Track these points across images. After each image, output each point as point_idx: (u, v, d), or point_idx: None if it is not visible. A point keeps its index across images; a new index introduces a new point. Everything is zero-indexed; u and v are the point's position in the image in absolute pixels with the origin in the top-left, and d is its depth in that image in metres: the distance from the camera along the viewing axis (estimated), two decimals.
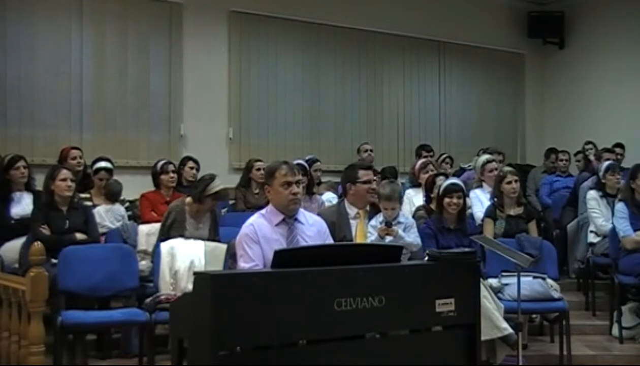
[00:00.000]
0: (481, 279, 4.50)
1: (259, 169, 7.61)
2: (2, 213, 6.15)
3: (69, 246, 5.52)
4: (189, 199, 6.05)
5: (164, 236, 5.89)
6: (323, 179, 8.41)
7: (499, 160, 7.56)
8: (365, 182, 5.25)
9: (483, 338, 4.18)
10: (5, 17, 7.05)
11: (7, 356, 4.41)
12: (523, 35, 11.19)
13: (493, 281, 5.70)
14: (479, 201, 6.84)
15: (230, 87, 8.87)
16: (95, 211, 6.39)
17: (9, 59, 7.43)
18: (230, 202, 7.88)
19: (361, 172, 5.27)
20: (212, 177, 6.08)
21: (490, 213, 6.31)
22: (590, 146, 9.04)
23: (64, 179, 5.83)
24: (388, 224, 5.19)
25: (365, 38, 9.83)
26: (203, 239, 5.89)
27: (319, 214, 4.77)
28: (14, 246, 5.79)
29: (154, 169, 7.20)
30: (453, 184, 5.91)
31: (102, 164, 7.13)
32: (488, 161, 7.17)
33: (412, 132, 10.20)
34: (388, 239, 5.14)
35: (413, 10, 10.15)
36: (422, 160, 7.75)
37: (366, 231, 5.20)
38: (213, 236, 6.02)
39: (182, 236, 5.83)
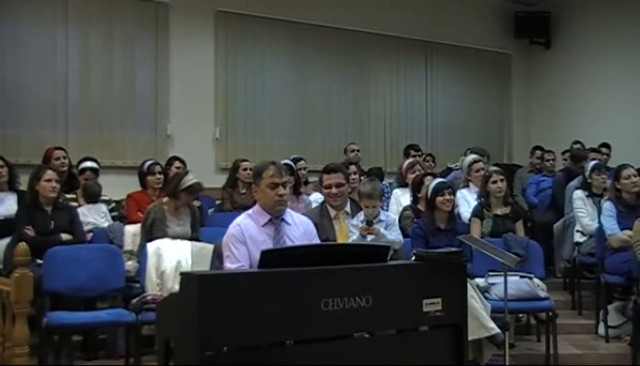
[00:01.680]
0: (468, 279, 4.50)
1: (245, 169, 7.59)
2: None
3: (54, 247, 5.48)
4: (166, 199, 6.05)
5: (147, 236, 5.88)
6: (310, 179, 8.39)
7: (485, 160, 7.57)
8: (324, 186, 5.29)
9: (470, 337, 4.19)
10: None
11: None
12: (510, 36, 11.23)
13: (480, 281, 5.71)
14: (466, 201, 6.84)
15: (216, 87, 8.86)
16: (79, 210, 6.37)
17: None
18: (217, 202, 7.88)
19: (324, 177, 5.35)
20: (185, 172, 6.18)
21: (477, 213, 6.32)
22: (578, 145, 9.07)
23: (49, 180, 5.80)
24: (369, 223, 5.19)
25: (352, 38, 9.84)
26: (187, 236, 5.90)
27: (304, 215, 4.76)
28: None
29: (140, 169, 7.17)
30: (441, 182, 5.95)
31: (88, 164, 7.12)
32: (474, 161, 7.18)
33: (399, 132, 10.22)
34: (370, 238, 5.14)
35: (400, 10, 10.16)
36: (410, 160, 7.75)
37: (347, 232, 5.20)
38: (195, 232, 6.02)
39: (165, 236, 5.81)
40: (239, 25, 9.02)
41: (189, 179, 6.02)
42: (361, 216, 5.28)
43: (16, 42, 7.59)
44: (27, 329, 4.18)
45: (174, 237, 5.85)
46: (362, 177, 7.29)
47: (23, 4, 7.65)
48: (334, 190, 5.29)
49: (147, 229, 5.93)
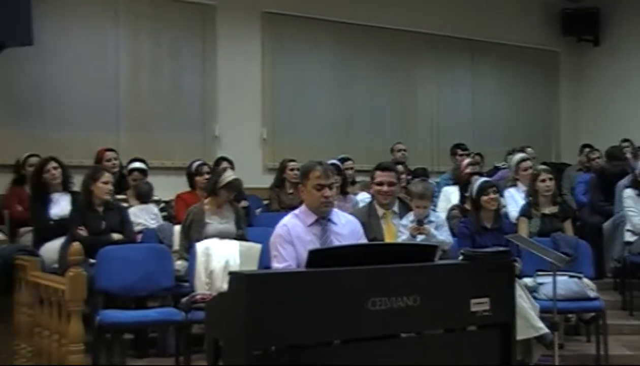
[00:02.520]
0: (516, 279, 4.47)
1: (292, 169, 7.65)
2: (42, 214, 6.26)
3: (106, 247, 5.59)
4: (208, 199, 6.13)
5: (186, 237, 5.97)
6: (357, 179, 8.42)
7: (532, 157, 7.51)
8: (376, 183, 5.25)
9: (518, 337, 4.16)
10: (44, 22, 7.14)
11: (48, 354, 4.48)
12: (557, 33, 11.10)
13: (528, 281, 5.66)
14: (514, 200, 6.79)
15: (263, 87, 8.91)
16: (130, 211, 6.48)
17: (48, 62, 7.53)
18: (264, 202, 7.94)
19: (376, 173, 5.28)
20: (223, 170, 6.32)
21: (525, 212, 6.27)
22: (627, 144, 8.93)
23: (106, 182, 5.92)
24: (419, 222, 5.18)
25: (397, 37, 9.82)
26: (231, 233, 5.97)
27: (351, 215, 4.77)
28: (54, 246, 5.88)
29: (188, 170, 7.29)
30: (485, 181, 5.93)
31: (136, 164, 7.25)
32: (522, 160, 7.13)
33: (445, 131, 10.15)
34: (420, 238, 5.13)
35: (444, 9, 10.11)
36: (470, 159, 7.76)
37: (394, 231, 5.19)
38: (240, 230, 6.08)
39: (201, 237, 5.87)
40: (285, 26, 9.07)
41: (228, 176, 6.11)
42: (411, 216, 5.27)
43: (68, 45, 7.72)
44: (82, 327, 4.27)
45: (216, 235, 5.92)
46: (408, 177, 7.29)
47: (75, 8, 7.77)
48: (385, 188, 5.24)
49: (185, 230, 6.02)
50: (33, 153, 7.00)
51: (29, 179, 6.74)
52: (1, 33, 6.32)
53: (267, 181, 8.12)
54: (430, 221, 5.27)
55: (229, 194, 6.11)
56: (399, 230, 5.22)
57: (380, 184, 5.23)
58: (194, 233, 5.96)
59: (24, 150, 7.15)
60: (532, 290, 5.54)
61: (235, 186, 6.17)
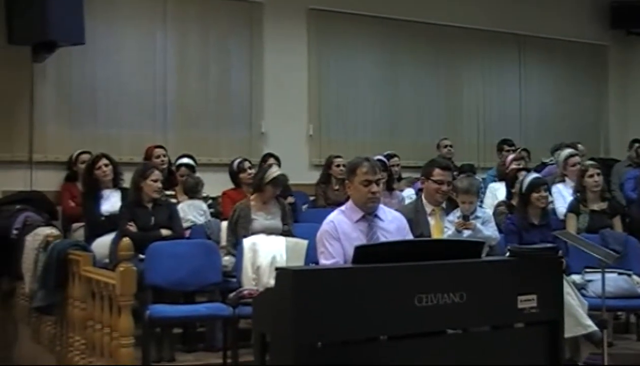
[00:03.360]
0: (564, 276, 4.44)
1: (338, 166, 7.70)
2: (93, 210, 6.39)
3: (155, 242, 5.67)
4: (254, 195, 6.18)
5: (232, 233, 6.04)
6: (403, 175, 8.41)
7: (582, 154, 7.41)
8: (436, 181, 5.19)
9: (566, 335, 4.12)
10: (94, 22, 7.27)
11: (100, 347, 4.58)
12: (605, 27, 10.91)
13: (576, 278, 5.60)
14: (561, 196, 6.73)
15: (309, 84, 8.94)
16: (179, 207, 6.57)
17: (98, 61, 7.66)
18: (311, 198, 7.99)
19: (436, 171, 5.15)
20: (269, 166, 6.39)
21: (573, 208, 6.21)
22: None
23: (155, 180, 6.02)
24: (465, 217, 5.16)
25: (443, 33, 9.76)
26: (277, 229, 6.02)
27: (397, 211, 4.77)
28: (105, 242, 6.00)
29: (230, 169, 7.35)
30: (537, 178, 5.88)
31: (184, 160, 7.34)
32: (571, 155, 7.06)
33: (492, 127, 10.06)
34: (466, 233, 5.11)
35: (491, 4, 10.02)
36: (515, 154, 7.69)
37: (442, 228, 5.17)
38: (286, 225, 6.13)
39: (247, 234, 5.93)
40: (331, 23, 9.08)
41: (273, 172, 6.16)
42: (457, 212, 5.25)
43: (118, 44, 7.83)
44: (132, 321, 4.34)
45: (262, 231, 5.97)
46: (454, 174, 7.26)
47: (124, 8, 7.88)
48: (444, 187, 5.16)
49: (232, 226, 6.09)
50: (85, 150, 7.14)
51: (81, 176, 6.88)
52: (55, 33, 6.47)
53: (314, 177, 8.17)
54: (476, 217, 5.25)
55: (274, 190, 6.16)
56: (445, 226, 5.20)
57: (441, 183, 5.15)
58: (240, 228, 6.02)
59: (76, 147, 7.31)
60: (580, 287, 5.48)
61: (281, 181, 6.21)
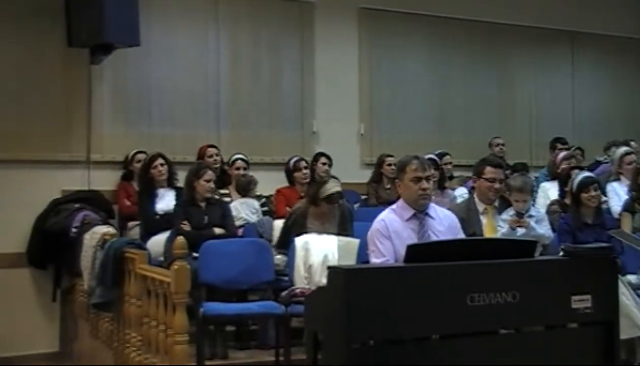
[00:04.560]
0: (619, 276, 4.37)
1: (389, 165, 7.70)
2: (148, 208, 6.51)
3: (208, 241, 5.74)
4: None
5: (285, 236, 6.05)
6: (455, 174, 8.37)
7: (636, 151, 7.28)
8: (488, 179, 5.16)
9: (622, 336, 4.06)
10: (149, 24, 7.38)
11: (156, 344, 4.66)
12: None
13: (632, 278, 5.51)
14: (616, 194, 6.63)
15: (360, 83, 8.93)
16: (232, 205, 6.63)
17: (153, 62, 7.75)
18: (362, 197, 8.00)
19: (488, 169, 5.15)
20: (326, 180, 6.18)
21: (628, 207, 6.11)
22: None
23: (208, 180, 6.10)
24: (520, 215, 5.12)
25: (494, 30, 9.65)
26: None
27: (449, 210, 4.76)
28: (159, 240, 6.09)
29: (286, 166, 7.42)
30: (587, 177, 5.78)
31: (239, 155, 7.41)
32: (626, 153, 6.94)
33: (544, 125, 9.92)
34: (520, 231, 5.07)
35: (542, 0, 9.89)
36: (565, 152, 7.59)
37: (495, 227, 5.14)
38: (343, 232, 6.08)
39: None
40: (382, 22, 9.06)
41: (329, 188, 5.99)
42: (511, 211, 5.22)
43: (172, 45, 7.91)
44: (186, 318, 4.42)
45: None
46: (507, 172, 7.20)
47: (178, 9, 7.97)
48: (497, 185, 5.16)
49: (286, 229, 6.09)
50: (140, 150, 7.26)
51: (137, 175, 7.00)
52: (111, 35, 6.60)
53: (365, 176, 8.18)
54: (530, 216, 5.21)
55: (329, 207, 6.03)
56: (498, 224, 5.17)
57: (493, 180, 5.14)
58: (293, 234, 6.03)
59: (131, 147, 7.42)
60: (636, 288, 5.38)
61: (335, 199, 6.04)
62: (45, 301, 7.10)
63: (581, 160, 8.60)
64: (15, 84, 7.11)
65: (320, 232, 5.94)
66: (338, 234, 5.96)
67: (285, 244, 5.99)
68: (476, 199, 5.24)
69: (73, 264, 6.35)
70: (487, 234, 5.08)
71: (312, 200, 6.07)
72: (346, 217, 6.19)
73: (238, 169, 7.29)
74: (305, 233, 5.91)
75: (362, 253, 5.46)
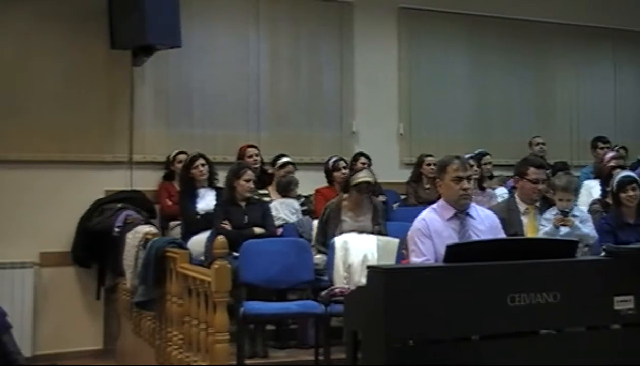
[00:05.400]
0: None
1: (429, 164, 7.70)
2: (189, 208, 6.58)
3: (248, 240, 5.78)
4: (346, 195, 6.21)
5: (322, 232, 6.10)
6: (495, 174, 8.31)
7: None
8: (532, 180, 5.12)
9: None
10: (191, 24, 7.45)
11: (197, 342, 4.71)
12: None
13: None
14: None
15: (399, 83, 8.92)
16: (272, 205, 6.67)
17: (193, 63, 7.83)
18: (402, 197, 7.99)
19: (531, 170, 5.09)
20: (360, 169, 6.41)
21: None
22: None
23: (248, 180, 6.14)
24: (564, 214, 5.07)
25: (534, 29, 9.56)
26: (367, 229, 6.04)
27: (490, 210, 4.73)
28: (200, 239, 6.16)
29: (325, 166, 7.45)
30: (625, 176, 5.69)
31: (285, 159, 7.44)
32: None
33: (585, 124, 9.79)
34: (563, 230, 5.02)
35: None
36: (613, 152, 7.51)
37: (536, 227, 5.09)
38: (377, 226, 6.13)
39: (335, 233, 5.98)
40: (421, 21, 9.04)
41: (359, 177, 6.14)
42: (554, 210, 5.17)
43: (213, 47, 7.98)
44: (227, 317, 4.46)
45: (352, 231, 6.00)
46: (547, 172, 7.13)
47: (219, 10, 8.04)
48: (540, 186, 5.13)
49: (322, 224, 6.16)
50: (182, 150, 7.33)
51: (178, 175, 7.08)
52: (153, 37, 6.67)
53: (404, 175, 8.17)
54: (574, 216, 5.15)
55: (358, 194, 6.13)
56: (540, 224, 5.12)
57: (536, 181, 5.11)
58: (329, 228, 6.07)
59: (173, 147, 7.51)
60: None
61: (364, 188, 6.13)
62: (90, 300, 7.23)
63: (625, 158, 8.48)
64: (60, 86, 7.25)
65: (354, 226, 5.99)
66: (372, 228, 6.03)
67: (323, 240, 6.04)
68: (517, 199, 5.19)
69: (116, 264, 6.45)
70: (529, 234, 5.03)
71: (344, 187, 6.21)
72: (379, 212, 6.24)
73: (288, 172, 7.32)
74: (340, 226, 5.98)
75: (401, 252, 5.47)
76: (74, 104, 7.28)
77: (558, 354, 3.39)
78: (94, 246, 6.96)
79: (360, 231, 6.01)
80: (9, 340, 5.25)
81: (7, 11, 7.09)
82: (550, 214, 5.14)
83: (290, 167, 7.36)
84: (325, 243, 6.03)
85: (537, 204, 5.22)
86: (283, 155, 7.55)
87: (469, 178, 4.29)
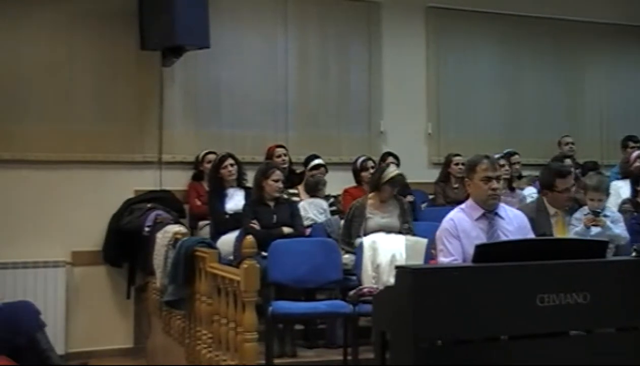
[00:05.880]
0: None
1: (457, 164, 7.67)
2: (218, 208, 6.62)
3: (277, 240, 5.80)
4: (371, 194, 6.22)
5: (347, 231, 6.11)
6: (524, 173, 8.26)
7: None
8: (562, 191, 5.07)
9: None
10: (220, 25, 7.49)
11: (226, 341, 4.74)
12: None
13: None
14: None
15: (428, 82, 8.90)
16: (300, 205, 6.69)
17: (223, 63, 7.87)
18: (430, 197, 7.97)
19: (558, 181, 5.02)
20: (386, 165, 6.44)
21: None
22: None
23: (277, 180, 6.17)
24: (595, 214, 5.03)
25: (563, 28, 9.47)
26: (394, 227, 6.05)
27: (518, 210, 4.71)
28: (229, 239, 6.19)
29: (354, 166, 7.46)
30: None
31: (317, 161, 7.46)
32: None
33: (615, 123, 9.68)
34: (594, 230, 4.98)
35: None
36: (639, 151, 7.43)
37: (566, 228, 5.05)
38: (406, 224, 6.14)
39: (360, 234, 6.01)
40: (449, 20, 9.00)
41: (391, 172, 6.21)
42: (585, 210, 5.13)
43: (241, 47, 8.01)
44: (255, 316, 4.47)
45: (378, 229, 6.01)
46: (577, 171, 7.09)
47: (247, 11, 8.07)
48: (571, 192, 5.12)
49: (347, 223, 6.17)
50: (211, 150, 7.38)
51: (207, 175, 7.12)
52: (182, 38, 6.74)
53: (433, 175, 8.15)
54: (605, 216, 5.11)
55: (392, 190, 6.19)
56: (571, 223, 5.09)
57: (567, 190, 5.07)
58: (354, 226, 6.08)
59: (201, 147, 7.56)
60: None
61: (398, 181, 6.24)
62: (121, 298, 7.31)
63: None
64: (91, 87, 7.35)
65: (381, 224, 6.01)
66: (399, 227, 6.05)
67: (348, 239, 6.06)
68: (547, 203, 5.15)
69: (146, 263, 6.51)
70: (558, 235, 5.00)
71: (375, 186, 6.22)
72: (406, 210, 6.28)
73: (322, 175, 7.33)
74: (365, 224, 6.01)
75: (430, 252, 5.46)
76: (105, 105, 7.37)
77: (588, 355, 3.37)
78: (125, 245, 7.04)
79: (387, 230, 6.01)
80: (43, 338, 5.34)
81: (40, 13, 7.19)
82: (581, 214, 5.11)
83: (322, 169, 7.37)
84: (349, 242, 6.06)
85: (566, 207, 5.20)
86: (315, 157, 7.55)
87: (498, 178, 4.28)
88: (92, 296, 7.22)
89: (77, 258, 7.18)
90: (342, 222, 6.44)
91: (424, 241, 5.75)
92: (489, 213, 4.27)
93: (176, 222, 6.60)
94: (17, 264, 6.89)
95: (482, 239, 4.11)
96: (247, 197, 6.55)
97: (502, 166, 6.68)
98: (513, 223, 4.31)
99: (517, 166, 8.07)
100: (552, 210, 5.08)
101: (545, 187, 5.13)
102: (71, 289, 7.14)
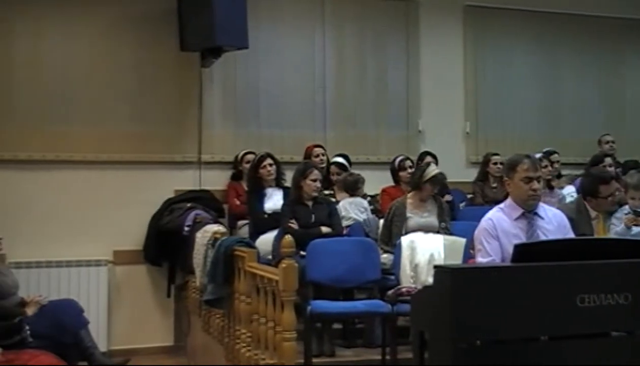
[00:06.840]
0: None
1: (495, 163, 7.64)
2: (257, 207, 6.66)
3: (315, 240, 5.81)
4: (411, 193, 6.22)
5: (387, 231, 6.12)
6: (563, 172, 8.18)
7: None
8: (606, 197, 5.03)
9: None
10: (258, 26, 7.55)
11: (265, 340, 4.77)
12: None
13: None
14: None
15: (466, 81, 8.86)
16: (340, 204, 6.70)
17: (262, 63, 7.94)
18: (468, 196, 7.94)
19: (602, 188, 5.03)
20: (427, 164, 6.45)
21: None
22: None
23: (315, 180, 6.19)
24: (637, 213, 4.97)
25: (602, 24, 9.35)
26: (433, 227, 6.05)
27: (558, 209, 4.68)
28: (268, 238, 6.22)
29: (392, 166, 7.45)
30: None
31: (337, 159, 7.48)
32: None
33: None
34: (635, 229, 4.93)
35: None
36: None
37: (606, 233, 5.00)
38: (444, 223, 6.13)
39: (401, 233, 6.00)
40: (487, 19, 8.96)
41: (432, 170, 6.22)
42: (626, 209, 5.09)
43: (279, 47, 8.07)
44: (294, 315, 4.49)
45: (417, 229, 6.00)
46: (617, 170, 7.01)
47: (285, 11, 8.13)
48: (615, 196, 5.09)
49: (387, 223, 6.18)
50: (249, 150, 7.43)
51: (246, 175, 7.17)
52: (221, 39, 6.80)
53: (471, 175, 8.12)
54: None
55: (433, 188, 6.20)
56: (611, 223, 5.04)
57: (611, 195, 5.05)
58: (395, 227, 6.09)
59: (240, 147, 7.63)
60: None
61: (439, 180, 6.26)
62: (161, 297, 7.42)
63: None
64: (131, 88, 7.46)
65: (420, 224, 6.02)
66: (438, 226, 6.07)
67: (387, 239, 6.07)
68: (587, 204, 5.11)
69: (186, 262, 6.58)
70: (598, 235, 4.96)
71: (415, 185, 6.23)
72: (444, 209, 6.28)
73: (333, 174, 7.36)
74: (406, 224, 6.00)
75: (469, 252, 5.44)
76: (145, 105, 7.47)
77: (629, 356, 3.34)
78: (165, 244, 7.13)
79: (427, 230, 6.01)
80: (86, 335, 5.44)
81: (80, 16, 7.33)
82: (622, 213, 5.06)
83: (333, 167, 7.41)
84: (389, 242, 6.07)
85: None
86: (339, 155, 7.61)
87: (538, 178, 4.25)
88: (133, 295, 7.33)
89: (118, 257, 7.30)
90: (381, 221, 6.46)
91: (462, 240, 5.74)
92: (529, 212, 4.24)
93: (215, 221, 6.66)
94: (61, 263, 7.04)
95: (521, 239, 4.09)
96: (285, 197, 6.58)
97: (545, 166, 6.64)
98: (552, 222, 4.28)
99: (557, 165, 8.00)
100: (593, 213, 5.04)
101: (589, 194, 5.09)
102: (113, 288, 7.26)
